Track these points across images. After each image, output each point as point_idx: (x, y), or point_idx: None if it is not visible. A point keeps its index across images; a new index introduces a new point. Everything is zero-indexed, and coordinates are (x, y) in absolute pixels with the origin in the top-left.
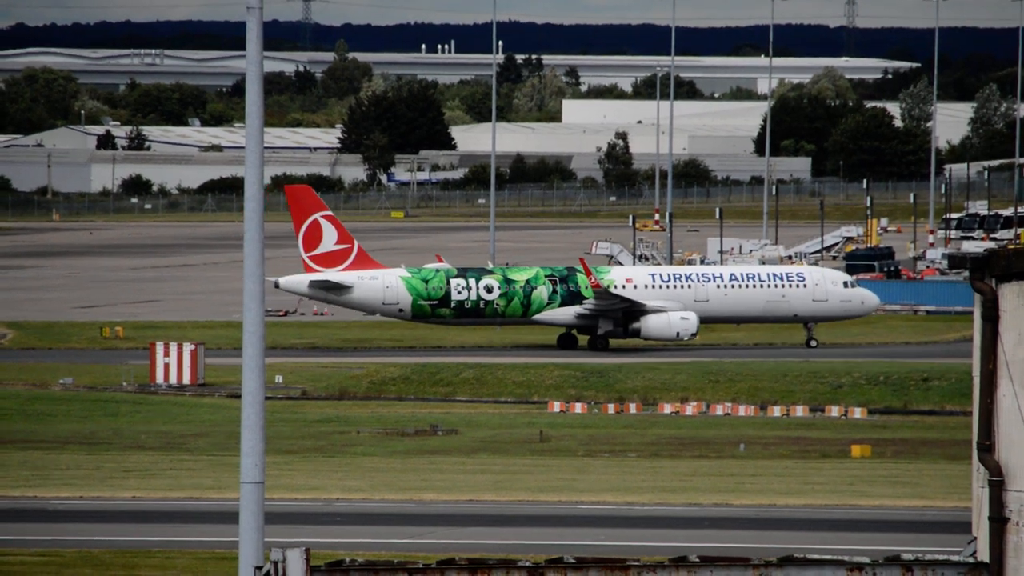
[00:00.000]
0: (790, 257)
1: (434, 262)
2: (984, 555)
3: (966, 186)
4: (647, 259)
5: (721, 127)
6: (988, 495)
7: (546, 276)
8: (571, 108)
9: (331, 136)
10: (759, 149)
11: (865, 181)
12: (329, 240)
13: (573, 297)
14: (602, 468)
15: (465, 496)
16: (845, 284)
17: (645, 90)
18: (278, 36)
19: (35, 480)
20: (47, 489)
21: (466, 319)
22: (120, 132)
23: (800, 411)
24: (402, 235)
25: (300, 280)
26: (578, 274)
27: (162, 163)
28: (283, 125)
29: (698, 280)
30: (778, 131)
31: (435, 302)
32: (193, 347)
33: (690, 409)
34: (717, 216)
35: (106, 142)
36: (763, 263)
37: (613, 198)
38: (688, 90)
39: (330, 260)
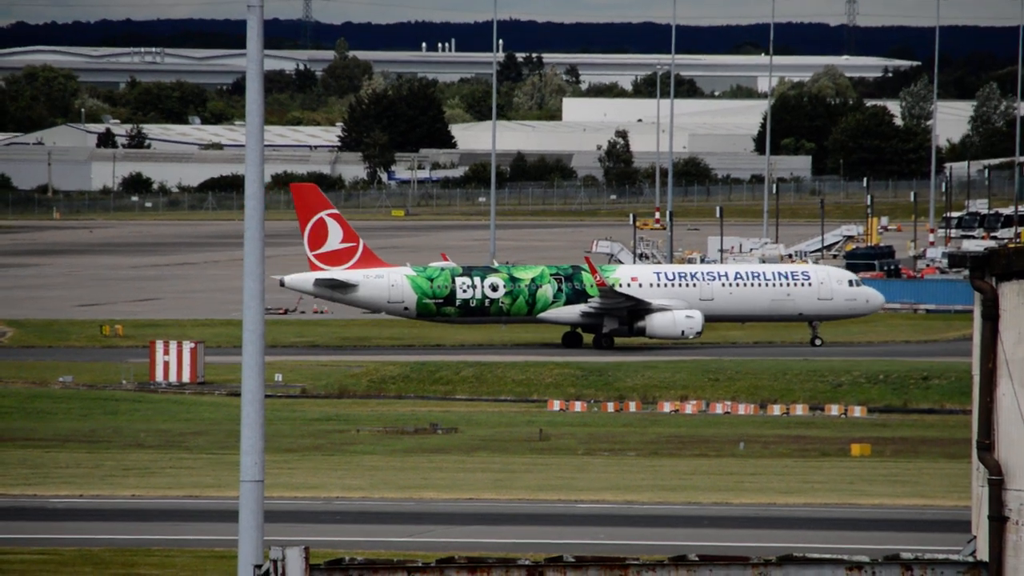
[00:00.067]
0: (790, 256)
1: (439, 260)
2: (984, 554)
3: (966, 185)
4: (647, 258)
5: (721, 125)
6: (988, 494)
7: (551, 274)
8: (571, 106)
9: (331, 134)
10: (759, 147)
11: (865, 180)
12: (335, 238)
13: (578, 295)
14: (602, 467)
15: (465, 495)
16: (850, 283)
17: (645, 88)
18: (279, 34)
19: (35, 478)
20: (47, 487)
21: (471, 317)
22: (120, 130)
23: (800, 410)
24: (403, 233)
25: (305, 278)
26: (583, 272)
27: (162, 161)
28: (283, 123)
29: (703, 279)
30: (778, 129)
31: (440, 300)
32: (193, 345)
33: (690, 408)
34: (717, 215)
35: (106, 140)
36: (763, 262)
37: (613, 196)
38: (688, 88)
39: (336, 258)
